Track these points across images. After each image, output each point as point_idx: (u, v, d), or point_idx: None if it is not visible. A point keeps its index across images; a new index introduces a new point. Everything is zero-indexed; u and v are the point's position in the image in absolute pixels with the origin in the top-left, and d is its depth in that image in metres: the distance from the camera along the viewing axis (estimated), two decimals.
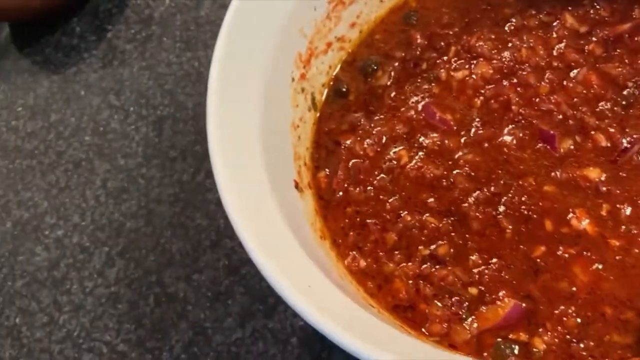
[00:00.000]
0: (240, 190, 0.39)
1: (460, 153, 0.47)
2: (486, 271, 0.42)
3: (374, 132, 0.49)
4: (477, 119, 0.47)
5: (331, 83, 0.52)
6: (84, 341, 0.53)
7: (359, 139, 0.49)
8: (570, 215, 0.42)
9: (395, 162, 0.47)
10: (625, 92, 0.45)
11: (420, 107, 0.49)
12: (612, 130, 0.44)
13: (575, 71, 0.46)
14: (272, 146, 0.45)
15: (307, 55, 0.49)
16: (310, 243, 0.42)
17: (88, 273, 0.57)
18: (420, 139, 0.48)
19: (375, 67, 0.52)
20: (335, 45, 0.52)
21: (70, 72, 0.68)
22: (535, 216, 0.43)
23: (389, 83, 0.51)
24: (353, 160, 0.48)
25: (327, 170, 0.49)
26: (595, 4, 0.48)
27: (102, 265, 0.57)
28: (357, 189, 0.48)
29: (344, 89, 0.52)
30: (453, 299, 0.41)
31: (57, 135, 0.64)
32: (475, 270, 0.42)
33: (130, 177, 0.60)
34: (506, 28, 0.50)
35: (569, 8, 0.49)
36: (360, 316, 0.37)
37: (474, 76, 0.49)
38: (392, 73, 0.51)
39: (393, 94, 0.50)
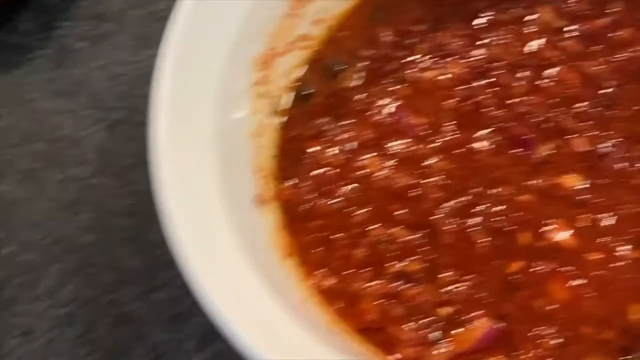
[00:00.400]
0: (187, 216, 0.36)
1: (431, 160, 0.43)
2: (459, 289, 0.39)
3: (340, 138, 0.46)
4: (449, 123, 0.44)
5: (295, 85, 0.49)
6: None
7: (325, 146, 0.46)
8: (548, 227, 0.40)
9: (363, 171, 0.44)
10: (605, 92, 0.43)
11: (388, 110, 0.46)
12: (590, 133, 0.42)
13: (551, 70, 0.44)
14: (229, 160, 0.41)
15: (268, 56, 0.46)
16: (268, 267, 0.39)
17: (39, 293, 0.53)
18: (390, 146, 0.45)
19: (341, 68, 0.48)
20: (298, 45, 0.48)
21: (17, 73, 0.63)
22: (510, 228, 0.40)
23: (355, 85, 0.48)
24: (319, 170, 0.46)
25: (292, 180, 0.45)
26: None
27: (55, 285, 0.53)
28: (323, 201, 0.44)
29: (309, 92, 0.49)
30: (425, 321, 0.39)
31: (3, 143, 0.59)
32: (447, 289, 0.39)
33: (83, 187, 0.56)
34: (478, 23, 0.47)
35: (545, 0, 0.46)
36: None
37: (444, 76, 0.46)
38: (359, 74, 0.48)
39: (360, 96, 0.47)
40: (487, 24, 0.46)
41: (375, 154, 0.44)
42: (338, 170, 0.45)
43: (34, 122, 0.62)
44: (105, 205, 0.57)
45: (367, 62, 0.48)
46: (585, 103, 0.42)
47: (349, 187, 0.44)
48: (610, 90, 0.42)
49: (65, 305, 0.53)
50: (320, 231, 0.44)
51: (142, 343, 0.50)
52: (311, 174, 0.45)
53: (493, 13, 0.46)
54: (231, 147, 0.42)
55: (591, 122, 0.41)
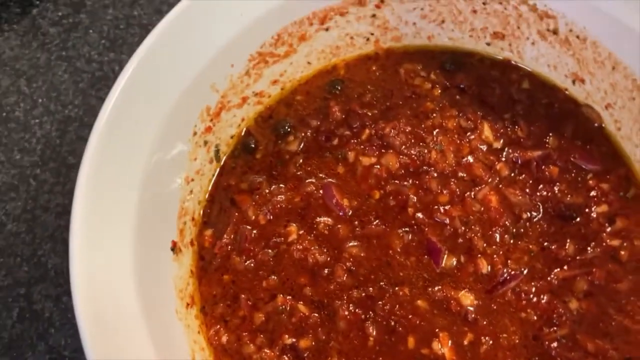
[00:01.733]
0: (91, 263, 0.36)
1: (348, 244, 0.45)
2: None
3: (271, 199, 0.47)
4: (373, 212, 0.46)
5: (241, 136, 0.50)
6: None
7: (254, 203, 0.47)
8: (434, 337, 0.42)
9: (283, 238, 0.46)
10: (518, 223, 0.44)
11: (321, 185, 0.47)
12: (496, 258, 0.43)
13: (478, 188, 0.45)
14: (153, 205, 0.42)
15: (217, 108, 0.46)
16: (165, 316, 0.40)
17: None
18: (314, 219, 0.46)
19: (288, 130, 0.49)
20: (252, 100, 0.49)
21: None
22: (401, 329, 0.42)
23: (298, 150, 0.48)
24: (243, 226, 0.47)
25: (215, 228, 0.47)
26: (515, 120, 0.47)
27: None
28: (240, 257, 0.46)
29: (253, 145, 0.50)
30: None
31: None
32: None
33: (22, 175, 0.55)
34: (424, 124, 0.48)
35: (489, 118, 0.47)
36: None
37: (379, 166, 0.47)
38: (303, 141, 0.49)
39: (299, 163, 0.48)
40: (431, 126, 0.48)
41: (298, 224, 0.46)
42: (260, 231, 0.46)
43: None
44: (39, 198, 0.57)
45: (312, 132, 0.49)
46: (499, 228, 0.44)
47: (267, 250, 0.45)
48: (525, 221, 0.44)
49: None
50: (228, 287, 0.45)
51: (42, 343, 0.51)
52: (233, 227, 0.46)
53: (440, 117, 0.47)
54: (159, 193, 0.43)
55: (499, 247, 0.43)
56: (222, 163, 0.48)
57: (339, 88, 0.50)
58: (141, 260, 0.40)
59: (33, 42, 0.63)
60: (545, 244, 0.43)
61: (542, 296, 0.42)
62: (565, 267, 0.42)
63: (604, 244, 0.42)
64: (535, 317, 0.41)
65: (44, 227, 0.55)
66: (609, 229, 0.43)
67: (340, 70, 0.51)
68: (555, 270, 0.42)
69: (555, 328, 0.41)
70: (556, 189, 0.44)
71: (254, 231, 0.46)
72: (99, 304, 0.36)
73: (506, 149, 0.46)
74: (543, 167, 0.45)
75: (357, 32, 0.49)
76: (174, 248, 0.44)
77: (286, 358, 0.42)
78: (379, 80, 0.50)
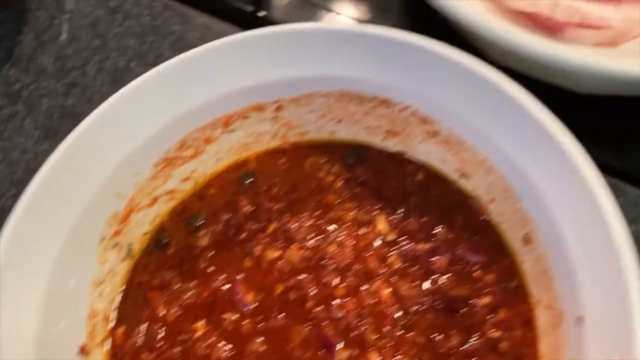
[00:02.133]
0: None
1: (252, 339, 0.47)
2: None
3: (180, 296, 0.49)
4: (276, 307, 0.48)
5: (153, 232, 0.52)
6: None
7: (165, 299, 0.49)
8: None
9: (190, 335, 0.48)
10: (408, 315, 0.46)
11: (228, 280, 0.49)
12: (386, 351, 0.46)
13: (372, 280, 0.47)
14: (59, 311, 0.44)
15: (126, 212, 0.48)
16: None
17: None
18: (220, 315, 0.48)
19: (199, 225, 0.52)
20: (163, 198, 0.51)
21: None
22: None
23: (208, 245, 0.51)
24: (153, 322, 0.49)
25: (127, 325, 0.48)
26: (408, 213, 0.49)
27: None
28: (150, 354, 0.48)
29: (165, 241, 0.52)
30: None
31: None
32: None
33: None
34: (325, 217, 0.50)
35: (385, 211, 0.49)
36: None
37: (283, 260, 0.49)
38: (214, 235, 0.51)
39: (209, 256, 0.50)
40: (332, 219, 0.50)
41: (206, 320, 0.48)
42: (169, 328, 0.48)
43: None
44: None
45: (223, 226, 0.51)
46: (390, 321, 0.46)
47: (174, 348, 0.48)
48: (414, 314, 0.46)
49: None
50: None
51: None
52: (144, 324, 0.48)
53: (340, 210, 0.50)
54: (64, 296, 0.45)
55: (389, 340, 0.45)
56: (135, 260, 0.51)
57: (249, 181, 0.53)
58: None
59: None
60: (432, 335, 0.45)
61: None
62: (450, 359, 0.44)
63: (486, 335, 0.44)
64: None
65: None
66: (491, 320, 0.45)
67: (251, 163, 0.53)
68: None
69: None
70: (444, 281, 0.46)
71: (164, 328, 0.48)
72: None
73: (399, 242, 0.48)
74: (433, 259, 0.47)
75: (263, 131, 0.51)
76: (83, 350, 0.46)
77: None
78: (286, 173, 0.52)
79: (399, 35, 0.43)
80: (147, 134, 0.46)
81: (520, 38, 0.45)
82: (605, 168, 0.41)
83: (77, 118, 0.62)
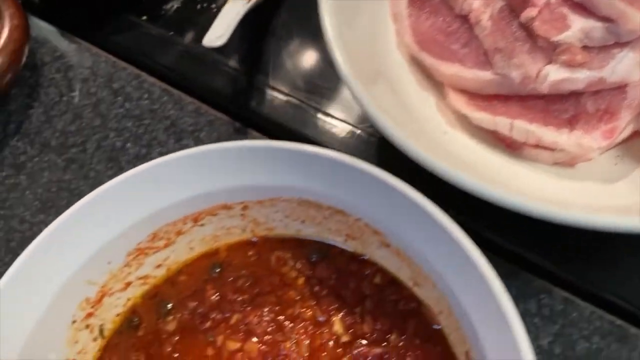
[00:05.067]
0: None
1: None
2: None
3: None
4: None
5: (126, 314, 0.55)
6: None
7: None
8: None
9: None
10: None
11: None
12: None
13: None
14: None
15: (98, 297, 0.51)
16: None
17: None
18: None
19: (168, 309, 0.54)
20: (136, 282, 0.54)
21: None
22: None
23: (174, 330, 0.53)
24: None
25: None
26: (363, 316, 0.50)
27: None
28: None
29: (136, 322, 0.55)
30: None
31: None
32: None
33: None
34: (285, 313, 0.52)
35: (343, 311, 0.51)
36: None
37: (242, 352, 0.51)
38: (180, 322, 0.53)
39: (174, 341, 0.52)
40: (292, 315, 0.51)
41: None
42: None
43: None
44: None
45: (189, 313, 0.53)
46: None
47: None
48: None
49: None
50: None
51: None
52: None
53: (300, 307, 0.51)
54: None
55: None
56: (107, 340, 0.53)
57: (218, 271, 0.55)
58: None
59: None
60: None
61: None
62: None
63: None
64: None
65: None
66: None
67: (222, 253, 0.55)
68: None
69: None
70: None
71: None
72: None
73: (353, 343, 0.50)
74: None
75: (232, 225, 0.54)
76: None
77: None
78: (253, 265, 0.55)
79: (350, 160, 0.46)
80: (121, 228, 0.49)
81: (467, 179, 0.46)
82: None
83: (72, 193, 0.67)
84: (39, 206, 0.67)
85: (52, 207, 0.67)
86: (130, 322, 0.54)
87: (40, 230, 0.66)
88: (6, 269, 0.64)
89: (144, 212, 0.49)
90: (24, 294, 0.47)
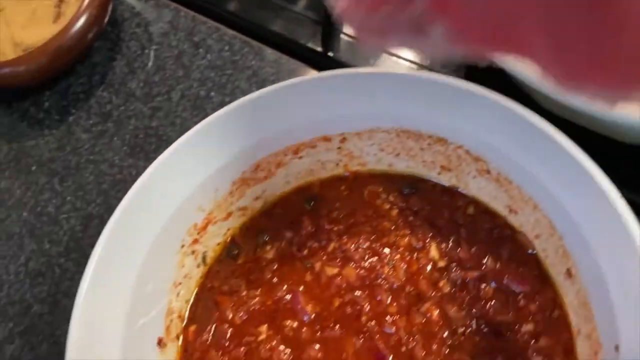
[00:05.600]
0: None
1: (309, 346, 0.51)
2: None
3: (247, 302, 0.54)
4: (333, 318, 0.52)
5: (226, 243, 0.57)
6: None
7: (233, 304, 0.54)
8: None
9: (253, 337, 0.53)
10: (454, 336, 0.50)
11: (290, 290, 0.54)
12: None
13: (422, 302, 0.51)
14: (143, 304, 0.50)
15: (204, 224, 0.54)
16: None
17: None
18: (282, 322, 0.53)
19: (266, 240, 0.57)
20: (236, 214, 0.56)
21: (29, 144, 0.72)
22: None
23: (273, 258, 0.56)
24: (221, 324, 0.54)
25: (198, 324, 0.53)
26: (459, 242, 0.52)
27: (3, 340, 0.62)
28: (217, 352, 0.52)
29: (235, 252, 0.57)
30: None
31: (0, 202, 0.69)
32: None
33: (49, 264, 0.65)
34: (380, 241, 0.54)
35: (438, 239, 0.53)
36: None
37: (341, 277, 0.53)
38: (278, 250, 0.56)
39: (274, 269, 0.55)
40: (386, 245, 0.54)
41: (268, 325, 0.52)
42: (236, 330, 0.53)
43: (29, 192, 0.72)
44: (61, 285, 0.65)
45: (287, 243, 0.56)
46: (438, 340, 0.49)
47: (239, 348, 0.52)
48: (460, 335, 0.49)
49: None
50: None
51: None
52: (213, 325, 0.53)
53: (394, 235, 0.53)
54: (149, 290, 0.50)
55: (436, 357, 0.49)
56: (208, 267, 0.56)
57: (313, 204, 0.57)
58: (129, 355, 0.47)
59: (67, 146, 0.73)
60: (477, 358, 0.48)
61: None
62: None
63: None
64: None
65: (63, 310, 0.63)
66: (534, 346, 0.47)
67: (315, 188, 0.58)
68: None
69: None
70: (489, 307, 0.50)
71: (231, 329, 0.53)
72: None
73: (449, 268, 0.52)
74: (480, 286, 0.51)
75: (327, 159, 0.56)
76: (160, 343, 0.51)
77: None
78: (346, 199, 0.57)
79: (455, 81, 0.47)
80: (228, 157, 0.51)
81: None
82: None
83: (160, 138, 0.70)
84: (128, 151, 0.70)
85: (141, 152, 0.70)
86: (230, 251, 0.56)
87: (130, 174, 0.70)
88: (98, 210, 0.68)
89: (249, 141, 0.52)
90: (141, 219, 0.49)
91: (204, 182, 0.51)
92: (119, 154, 0.71)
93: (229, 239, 0.56)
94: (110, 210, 0.69)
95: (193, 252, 0.54)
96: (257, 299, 0.53)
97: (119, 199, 0.65)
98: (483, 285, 0.50)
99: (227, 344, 0.52)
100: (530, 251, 0.51)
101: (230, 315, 0.53)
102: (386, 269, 0.52)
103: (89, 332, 0.45)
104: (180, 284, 0.53)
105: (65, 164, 0.71)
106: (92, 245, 0.67)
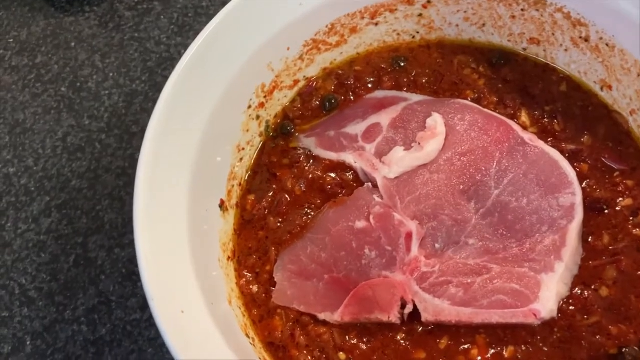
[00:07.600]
0: (152, 212, 0.40)
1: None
2: (361, 347, 0.43)
3: (309, 174, 0.50)
4: None
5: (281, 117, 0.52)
6: (1, 278, 0.55)
7: (293, 176, 0.49)
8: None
9: (313, 206, 0.48)
10: None
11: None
12: None
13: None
14: (208, 166, 0.45)
15: (271, 87, 0.49)
16: (210, 267, 0.43)
17: (25, 216, 0.58)
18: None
19: (334, 103, 0.51)
20: (302, 83, 0.52)
21: (68, 20, 0.67)
22: None
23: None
24: (281, 193, 0.49)
25: (256, 194, 0.49)
26: (554, 115, 0.48)
27: (40, 213, 0.58)
28: (275, 219, 0.48)
29: (289, 128, 0.51)
30: (322, 356, 0.43)
31: (37, 77, 0.64)
32: (351, 341, 0.43)
33: (89, 139, 0.60)
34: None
35: (528, 106, 0.48)
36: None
37: None
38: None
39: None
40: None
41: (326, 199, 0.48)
42: (295, 199, 0.48)
43: (68, 68, 0.67)
44: (102, 160, 0.61)
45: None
46: None
47: (298, 215, 0.48)
48: None
49: (43, 234, 0.58)
50: (262, 242, 0.48)
51: (93, 287, 0.55)
52: (273, 194, 0.49)
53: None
54: (213, 154, 0.46)
55: None
56: (264, 142, 0.51)
57: (402, 64, 0.52)
58: (194, 212, 0.43)
59: (110, 23, 0.68)
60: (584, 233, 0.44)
61: (575, 288, 0.43)
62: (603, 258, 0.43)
63: (631, 234, 0.43)
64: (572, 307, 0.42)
65: (104, 186, 0.59)
66: (633, 222, 0.44)
67: (404, 51, 0.53)
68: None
69: (587, 316, 0.42)
70: (585, 184, 0.46)
71: (290, 198, 0.49)
72: (156, 246, 0.39)
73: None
74: (574, 163, 0.46)
75: (404, 30, 0.51)
76: (222, 206, 0.47)
77: (309, 317, 0.44)
78: (436, 65, 0.52)
79: None
80: (303, 10, 0.47)
81: None
82: None
83: (210, 17, 0.63)
84: (176, 30, 0.65)
85: (190, 31, 0.65)
86: (284, 127, 0.52)
87: (179, 52, 0.64)
88: (143, 87, 0.63)
89: None
90: (214, 61, 0.44)
91: (276, 36, 0.46)
92: (166, 33, 0.65)
93: (281, 114, 0.51)
94: (156, 88, 0.65)
95: (258, 117, 0.49)
96: (318, 172, 0.49)
97: (166, 77, 0.60)
98: (578, 163, 0.45)
99: (286, 210, 0.47)
100: (625, 129, 0.47)
101: (290, 186, 0.48)
102: None
103: (155, 184, 0.40)
104: (243, 149, 0.48)
105: (107, 41, 0.66)
106: (135, 122, 0.64)
